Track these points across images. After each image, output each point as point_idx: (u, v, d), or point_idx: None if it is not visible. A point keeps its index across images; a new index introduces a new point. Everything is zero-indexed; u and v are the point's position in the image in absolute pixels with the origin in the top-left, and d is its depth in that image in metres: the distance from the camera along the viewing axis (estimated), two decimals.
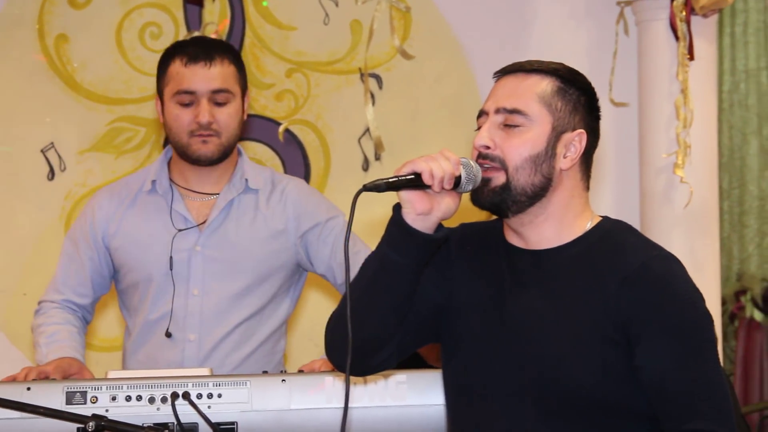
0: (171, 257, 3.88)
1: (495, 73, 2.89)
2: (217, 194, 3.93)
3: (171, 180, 3.96)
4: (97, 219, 3.97)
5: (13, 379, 3.50)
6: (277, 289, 3.99)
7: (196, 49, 3.86)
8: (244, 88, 3.94)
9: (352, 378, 2.80)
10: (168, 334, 3.87)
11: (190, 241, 3.89)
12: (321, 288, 4.96)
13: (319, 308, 5.06)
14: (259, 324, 3.96)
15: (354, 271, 2.81)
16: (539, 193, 2.79)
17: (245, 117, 3.97)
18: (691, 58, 4.98)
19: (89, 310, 4.03)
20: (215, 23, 5.32)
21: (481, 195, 2.78)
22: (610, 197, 5.36)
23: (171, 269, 3.88)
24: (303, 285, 4.11)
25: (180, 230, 3.90)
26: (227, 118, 3.84)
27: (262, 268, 3.93)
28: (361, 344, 2.76)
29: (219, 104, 3.83)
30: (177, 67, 3.84)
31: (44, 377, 3.50)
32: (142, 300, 3.93)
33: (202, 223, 3.91)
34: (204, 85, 3.81)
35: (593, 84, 2.90)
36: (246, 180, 3.96)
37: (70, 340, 3.84)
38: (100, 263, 3.98)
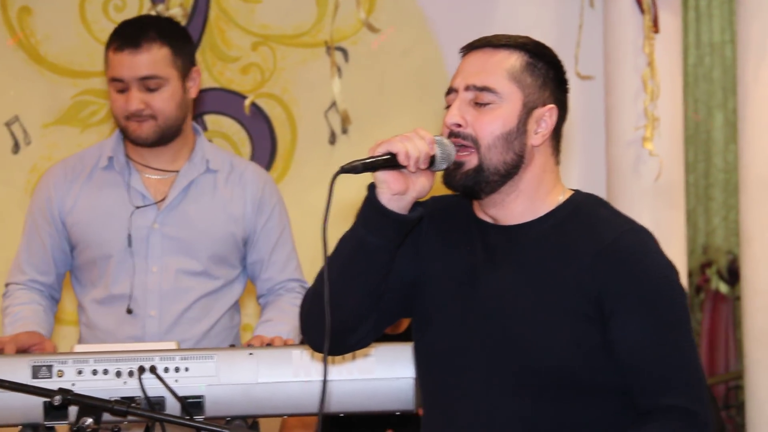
0: (129, 234, 3.88)
1: (462, 49, 2.87)
2: (176, 171, 3.95)
3: (127, 156, 3.96)
4: (53, 195, 3.97)
5: None
6: (231, 269, 4.01)
7: (125, 35, 3.87)
8: (184, 69, 3.93)
9: (321, 353, 2.80)
10: (129, 311, 3.88)
11: (148, 219, 3.90)
12: None
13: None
14: (216, 300, 3.98)
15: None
16: (511, 171, 2.77)
17: (194, 94, 3.98)
18: (656, 30, 4.99)
19: (56, 288, 4.04)
20: None
21: (453, 178, 2.77)
22: (577, 171, 5.37)
23: (130, 246, 3.88)
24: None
25: (138, 207, 3.90)
26: (161, 102, 3.85)
27: (218, 248, 3.95)
28: (337, 325, 2.73)
29: (151, 89, 3.84)
30: (110, 54, 3.88)
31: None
32: (101, 276, 3.93)
33: (161, 201, 3.92)
34: (131, 72, 3.83)
35: (562, 55, 2.89)
36: (207, 161, 3.97)
37: (34, 316, 3.84)
38: (60, 239, 3.98)
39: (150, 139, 3.86)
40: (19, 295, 3.95)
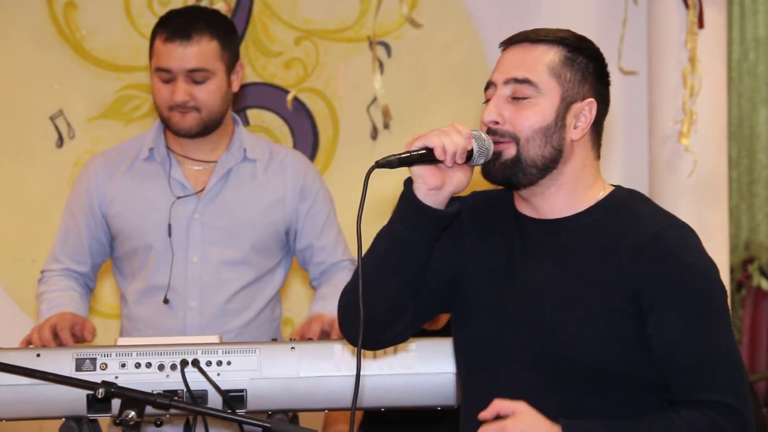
0: (170, 224, 3.90)
1: (501, 43, 2.88)
2: (215, 162, 3.96)
3: (168, 147, 3.98)
4: (92, 186, 3.99)
5: (28, 341, 3.56)
6: (272, 258, 4.02)
7: (175, 25, 3.86)
8: (230, 63, 3.94)
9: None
10: (165, 301, 3.90)
11: (188, 209, 3.92)
12: None
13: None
14: (257, 291, 4.00)
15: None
16: (550, 165, 2.78)
17: (236, 88, 4.00)
18: (701, 26, 4.98)
19: (90, 278, 4.06)
20: None
21: (492, 169, 2.77)
22: (620, 166, 5.36)
23: (170, 236, 3.90)
24: (291, 258, 4.14)
25: (178, 197, 3.92)
26: (206, 95, 3.86)
27: (259, 236, 3.96)
28: (373, 319, 2.76)
29: (197, 82, 3.84)
30: (158, 43, 3.87)
31: (54, 331, 3.54)
32: (141, 267, 3.95)
33: (200, 191, 3.93)
34: (180, 64, 3.83)
35: (604, 50, 2.88)
36: (244, 149, 3.98)
37: (71, 302, 3.87)
38: (97, 230, 4.01)
39: (192, 130, 3.88)
40: (55, 281, 3.97)
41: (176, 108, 3.85)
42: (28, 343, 3.56)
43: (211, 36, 3.88)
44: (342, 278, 3.88)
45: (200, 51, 3.85)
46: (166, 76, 3.85)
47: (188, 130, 3.88)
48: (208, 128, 3.90)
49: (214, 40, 3.88)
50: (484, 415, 2.63)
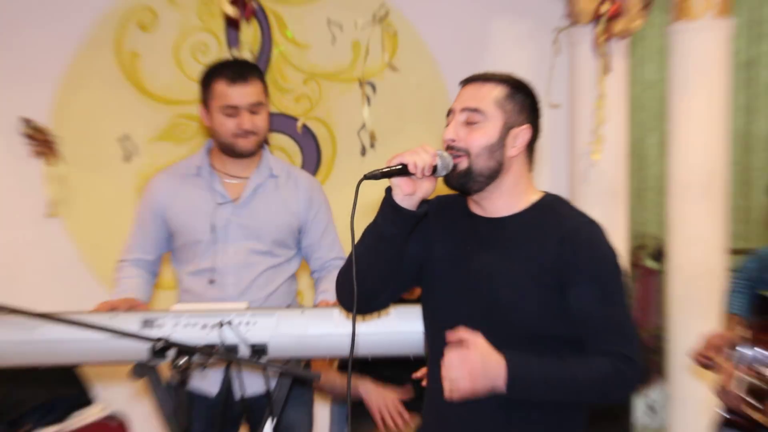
0: (213, 225, 3.90)
1: (461, 82, 2.89)
2: (247, 177, 3.95)
3: (211, 166, 3.97)
4: (156, 197, 3.99)
5: (96, 311, 3.56)
6: (289, 249, 4.02)
7: (235, 72, 3.86)
8: (267, 98, 3.96)
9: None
10: (211, 281, 3.90)
11: (227, 213, 3.91)
12: None
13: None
14: (277, 273, 3.98)
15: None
16: (493, 175, 2.79)
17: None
18: (609, 70, 4.98)
19: (156, 264, 4.06)
20: (249, 43, 5.31)
21: (450, 179, 2.79)
22: (547, 176, 5.36)
23: (213, 233, 3.90)
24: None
25: (219, 204, 3.91)
26: (261, 122, 3.88)
27: (278, 234, 3.96)
28: (363, 293, 2.79)
29: (254, 113, 3.86)
30: (222, 86, 3.84)
31: (113, 308, 3.57)
32: (192, 255, 3.94)
33: (236, 199, 3.93)
34: (244, 100, 3.83)
35: (536, 88, 2.90)
36: (270, 169, 3.99)
37: (136, 288, 3.89)
38: (161, 228, 4.00)
39: (252, 150, 3.90)
40: (128, 270, 3.98)
41: (241, 134, 3.86)
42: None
43: (258, 78, 3.90)
44: (336, 275, 3.90)
45: (256, 89, 3.86)
46: (231, 111, 3.85)
47: (250, 150, 3.89)
48: (260, 146, 3.94)
49: (260, 81, 3.90)
50: (451, 336, 2.68)
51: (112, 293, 3.85)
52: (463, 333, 2.68)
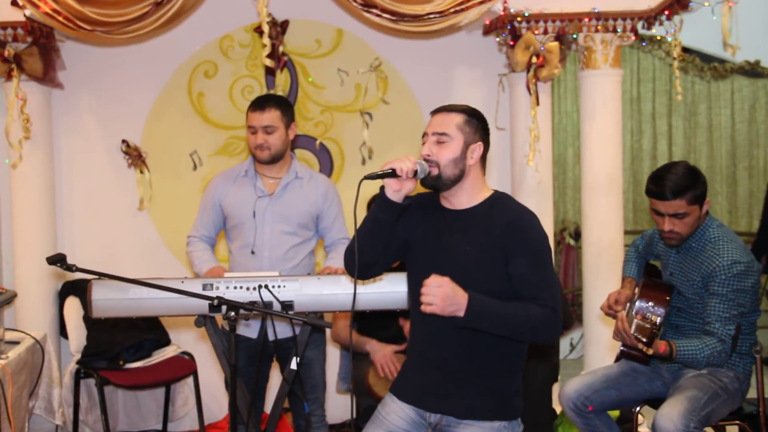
0: (254, 212, 3.84)
1: (431, 112, 2.86)
2: (280, 178, 3.89)
3: (255, 170, 3.91)
4: (216, 190, 3.95)
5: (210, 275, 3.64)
6: (309, 232, 3.94)
7: (257, 102, 3.85)
8: (287, 123, 3.87)
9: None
10: (252, 252, 3.83)
11: (264, 204, 3.85)
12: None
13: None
14: (301, 249, 3.90)
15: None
16: (457, 179, 2.76)
17: (291, 137, 3.92)
18: (538, 104, 4.90)
19: (214, 240, 4.02)
20: (282, 85, 5.23)
21: (426, 181, 2.77)
22: (495, 179, 5.30)
23: (254, 218, 3.83)
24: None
25: (259, 197, 3.86)
26: (273, 140, 3.81)
27: (302, 219, 3.89)
28: (363, 263, 2.79)
29: (268, 133, 3.81)
30: (249, 112, 3.84)
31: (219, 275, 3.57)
32: (240, 234, 3.88)
33: (272, 194, 3.86)
34: (258, 122, 3.80)
35: (486, 117, 2.87)
36: (296, 172, 3.92)
37: (211, 257, 3.89)
38: (218, 214, 3.95)
39: (267, 160, 3.83)
40: (198, 244, 3.95)
41: (257, 147, 3.82)
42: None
43: (275, 107, 3.83)
44: (342, 248, 3.88)
45: (270, 115, 3.80)
46: (253, 130, 3.82)
47: (266, 160, 3.83)
48: (275, 159, 3.84)
49: (277, 110, 3.82)
50: (427, 280, 2.61)
51: (199, 260, 3.85)
52: (436, 275, 2.63)
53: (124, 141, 5.18)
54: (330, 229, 3.97)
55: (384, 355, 4.11)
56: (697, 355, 3.39)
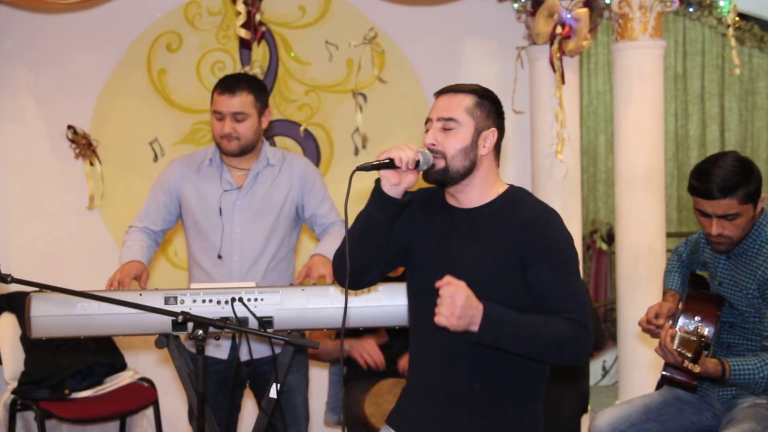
0: (220, 208, 3.86)
1: (435, 93, 2.86)
2: (249, 169, 3.91)
3: (221, 159, 3.93)
4: (172, 177, 3.95)
5: (110, 283, 3.56)
6: (287, 227, 3.96)
7: (226, 84, 3.84)
8: (261, 110, 3.89)
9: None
10: (219, 257, 3.85)
11: (232, 198, 3.87)
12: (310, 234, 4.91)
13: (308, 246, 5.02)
14: (278, 250, 3.93)
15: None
16: (467, 172, 2.77)
17: (265, 126, 3.93)
18: (563, 82, 4.92)
19: (160, 236, 4.00)
20: (259, 61, 5.26)
21: (429, 175, 2.78)
22: (512, 172, 5.33)
23: (220, 216, 3.85)
24: (301, 225, 4.08)
25: (226, 190, 3.88)
26: (244, 129, 3.82)
27: (278, 214, 3.90)
28: (355, 270, 2.79)
29: (238, 121, 3.81)
30: (216, 95, 3.84)
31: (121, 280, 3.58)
32: (202, 235, 3.90)
33: (240, 187, 3.89)
34: (227, 108, 3.80)
35: (501, 100, 2.87)
36: (267, 158, 3.94)
37: (140, 250, 3.82)
38: (170, 205, 3.96)
39: (234, 152, 3.84)
40: (134, 235, 3.93)
41: (224, 137, 3.82)
42: (110, 284, 3.57)
43: (248, 91, 3.84)
44: (335, 230, 3.91)
45: (241, 100, 3.81)
46: (219, 116, 3.83)
47: (232, 151, 3.84)
48: (244, 151, 3.86)
49: (249, 94, 3.83)
50: (440, 283, 2.61)
51: (124, 254, 3.81)
52: (450, 278, 2.62)
53: (70, 127, 5.20)
54: (318, 216, 3.97)
55: (362, 345, 4.17)
56: (755, 375, 3.37)
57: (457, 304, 2.55)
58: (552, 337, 2.63)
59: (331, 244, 3.74)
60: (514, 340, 2.63)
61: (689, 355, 3.31)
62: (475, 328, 2.58)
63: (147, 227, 3.96)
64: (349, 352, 4.21)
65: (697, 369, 3.31)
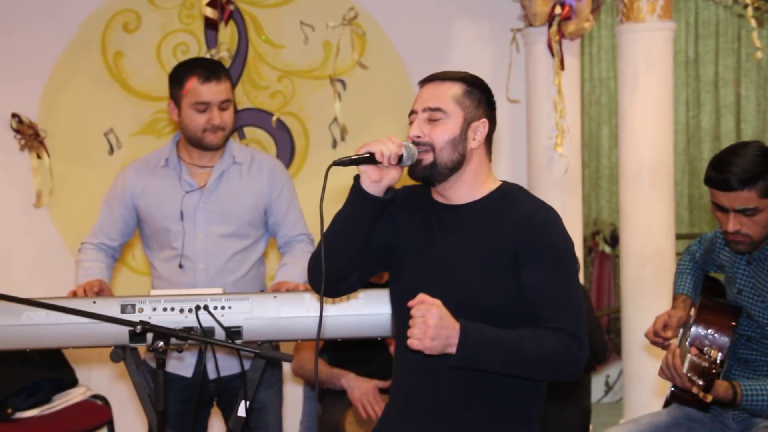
0: (182, 212, 3.86)
1: (419, 82, 2.89)
2: (212, 167, 3.92)
3: (179, 157, 3.94)
4: (127, 185, 3.95)
5: (73, 294, 3.53)
6: (256, 231, 3.98)
7: (208, 71, 3.83)
8: (234, 96, 3.93)
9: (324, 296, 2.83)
10: (180, 265, 3.86)
11: (194, 200, 3.87)
12: None
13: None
14: (247, 255, 3.94)
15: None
16: (456, 166, 2.79)
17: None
18: (563, 68, 4.94)
19: (117, 251, 4.02)
20: (227, 43, 5.26)
21: (415, 171, 2.80)
22: (506, 167, 5.35)
23: (182, 220, 3.85)
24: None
25: (187, 192, 3.88)
26: (229, 118, 3.86)
27: (245, 217, 3.92)
28: (332, 275, 2.79)
29: (223, 109, 3.83)
30: (194, 83, 3.81)
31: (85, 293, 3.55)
32: (163, 242, 3.91)
33: (203, 187, 3.89)
34: (215, 97, 3.80)
35: (495, 87, 2.89)
36: (233, 156, 3.95)
37: (100, 272, 3.83)
38: (127, 217, 3.96)
39: (219, 144, 3.87)
40: (90, 253, 3.92)
41: (210, 129, 3.82)
42: (73, 295, 3.54)
43: (227, 77, 3.87)
44: (300, 249, 3.95)
45: (226, 87, 3.84)
46: (203, 107, 3.81)
47: (218, 144, 3.86)
48: (226, 140, 3.91)
49: (229, 80, 3.87)
50: (412, 302, 2.64)
51: (82, 275, 3.79)
52: (423, 296, 2.65)
53: (14, 115, 5.19)
54: (282, 224, 4.01)
55: (365, 391, 4.13)
56: None
57: (430, 324, 2.58)
58: (539, 354, 2.66)
59: (294, 270, 3.82)
60: (495, 361, 2.65)
61: (701, 383, 3.29)
62: (452, 349, 2.61)
63: (103, 243, 3.96)
64: (348, 394, 4.18)
65: (709, 398, 3.31)
